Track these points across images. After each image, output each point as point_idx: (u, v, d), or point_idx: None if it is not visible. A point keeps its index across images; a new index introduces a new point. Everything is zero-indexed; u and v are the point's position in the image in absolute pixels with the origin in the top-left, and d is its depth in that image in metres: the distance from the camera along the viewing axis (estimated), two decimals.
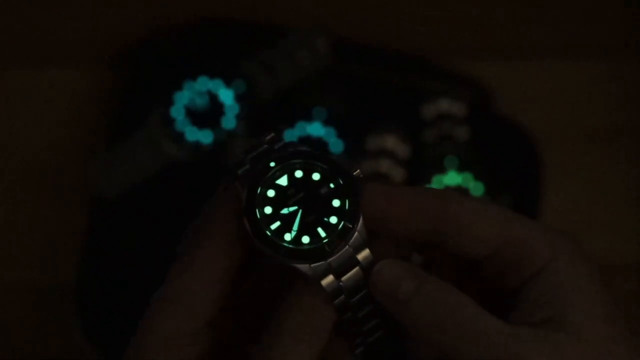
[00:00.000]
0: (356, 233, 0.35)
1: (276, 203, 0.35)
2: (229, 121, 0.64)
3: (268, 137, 0.37)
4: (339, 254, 0.35)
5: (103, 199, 0.64)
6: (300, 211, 0.35)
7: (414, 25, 0.69)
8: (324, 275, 0.35)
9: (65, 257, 0.65)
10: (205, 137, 0.64)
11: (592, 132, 0.69)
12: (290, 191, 0.36)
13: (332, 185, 0.36)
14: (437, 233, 0.37)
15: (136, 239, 0.63)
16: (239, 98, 0.65)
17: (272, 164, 0.36)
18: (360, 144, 0.65)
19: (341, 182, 0.36)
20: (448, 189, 0.63)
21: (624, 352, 0.35)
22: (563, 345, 0.34)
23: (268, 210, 0.35)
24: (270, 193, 0.36)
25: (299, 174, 0.36)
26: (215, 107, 0.65)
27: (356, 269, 0.35)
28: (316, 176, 0.36)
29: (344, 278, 0.35)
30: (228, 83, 0.65)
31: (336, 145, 0.64)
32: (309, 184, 0.36)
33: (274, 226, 0.35)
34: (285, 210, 0.35)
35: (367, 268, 0.35)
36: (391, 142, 0.65)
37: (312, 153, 0.36)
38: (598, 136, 0.69)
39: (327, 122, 0.65)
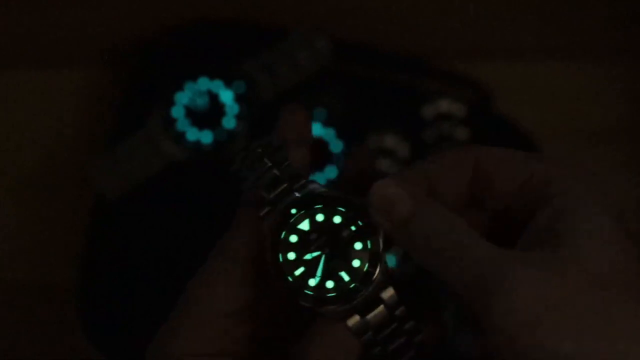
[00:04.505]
0: (379, 274, 0.35)
1: (299, 248, 0.36)
2: (229, 121, 0.64)
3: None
4: (364, 296, 0.35)
5: (103, 199, 0.64)
6: (324, 256, 0.36)
7: (414, 25, 0.69)
8: (349, 316, 0.35)
9: (66, 257, 0.65)
10: (205, 137, 0.64)
11: (592, 132, 0.69)
12: (313, 235, 0.36)
13: (353, 228, 0.36)
14: (474, 185, 0.37)
15: (136, 239, 0.63)
16: (239, 98, 0.65)
17: (294, 211, 0.36)
18: (360, 144, 0.65)
19: (361, 224, 0.36)
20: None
21: (622, 286, 0.32)
22: (552, 268, 0.32)
23: (291, 256, 0.36)
24: (293, 238, 0.36)
25: (320, 217, 0.36)
26: (215, 108, 0.65)
27: (380, 307, 0.36)
28: (337, 219, 0.36)
29: (368, 316, 0.35)
30: (228, 83, 0.65)
31: (336, 145, 0.64)
32: (330, 228, 0.36)
33: (298, 272, 0.36)
34: (308, 256, 0.36)
35: (392, 306, 0.36)
36: (391, 141, 0.65)
37: (331, 196, 0.36)
38: (598, 136, 0.69)
39: (327, 122, 0.65)
